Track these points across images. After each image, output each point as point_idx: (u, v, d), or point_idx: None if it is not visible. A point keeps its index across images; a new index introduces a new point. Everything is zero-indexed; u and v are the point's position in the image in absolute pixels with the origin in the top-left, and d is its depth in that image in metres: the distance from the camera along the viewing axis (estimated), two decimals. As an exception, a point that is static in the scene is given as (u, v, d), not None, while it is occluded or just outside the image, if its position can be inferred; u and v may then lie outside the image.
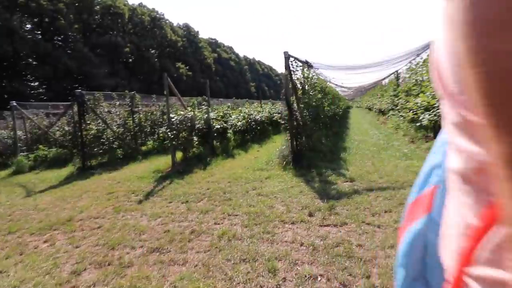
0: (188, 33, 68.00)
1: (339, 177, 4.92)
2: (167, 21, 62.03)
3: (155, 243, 3.17)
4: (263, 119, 12.50)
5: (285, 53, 5.99)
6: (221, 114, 9.78)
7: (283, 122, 6.33)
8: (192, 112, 8.03)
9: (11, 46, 31.97)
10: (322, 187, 4.49)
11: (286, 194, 4.35)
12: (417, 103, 6.76)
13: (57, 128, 11.75)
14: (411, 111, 7.59)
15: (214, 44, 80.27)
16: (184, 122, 7.56)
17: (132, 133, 10.56)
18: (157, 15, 58.51)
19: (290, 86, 6.12)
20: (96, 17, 47.82)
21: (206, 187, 5.39)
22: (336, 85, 8.44)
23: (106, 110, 9.56)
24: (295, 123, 6.03)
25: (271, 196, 4.32)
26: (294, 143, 6.08)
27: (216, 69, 71.91)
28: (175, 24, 65.91)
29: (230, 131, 10.57)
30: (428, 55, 6.78)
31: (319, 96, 7.28)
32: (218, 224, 3.49)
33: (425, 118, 6.00)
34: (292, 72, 6.26)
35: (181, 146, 7.68)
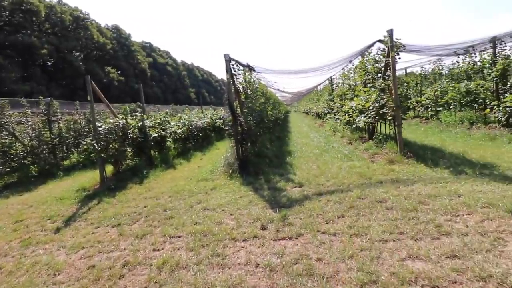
0: (119, 35, 63.01)
1: (288, 183, 4.79)
2: (93, 22, 56.50)
3: (74, 286, 2.51)
4: (205, 125, 12.00)
5: (226, 55, 5.70)
6: (159, 121, 8.99)
7: (226, 128, 6.00)
8: (124, 120, 7.15)
9: None
10: (272, 195, 4.28)
11: (234, 206, 4.01)
12: (352, 106, 7.15)
13: None
14: (347, 114, 8.02)
15: (148, 48, 76.04)
16: (114, 132, 6.66)
17: (49, 146, 8.99)
18: (81, 15, 52.83)
19: (232, 90, 5.84)
20: (4, 13, 40.81)
21: (143, 205, 4.72)
22: (278, 90, 8.50)
23: (13, 120, 7.92)
24: (239, 129, 5.77)
25: (219, 210, 3.94)
26: (240, 149, 5.81)
27: (152, 74, 68.08)
28: (103, 26, 60.47)
29: (170, 139, 9.82)
30: (359, 62, 7.27)
31: (262, 100, 7.17)
32: (158, 250, 2.97)
33: (361, 120, 6.34)
34: (234, 76, 6.00)
35: (111, 159, 6.74)
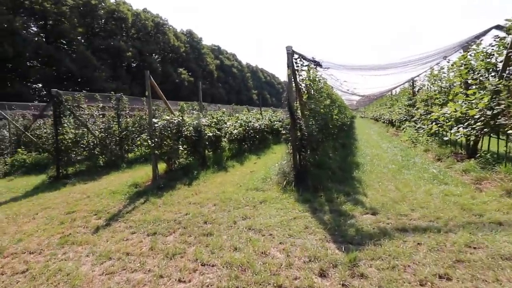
0: (191, 39, 67.71)
1: (357, 207, 3.77)
2: (171, 27, 61.77)
3: (79, 316, 2.04)
4: (263, 127, 11.41)
5: (288, 48, 4.92)
6: (215, 120, 8.71)
7: (284, 131, 5.22)
8: (180, 117, 6.95)
9: (12, 47, 31.35)
10: (335, 221, 3.34)
11: (286, 230, 3.20)
12: (444, 113, 5.63)
13: (40, 131, 10.73)
14: (435, 123, 6.46)
15: (216, 51, 79.98)
16: (169, 129, 6.48)
17: (117, 138, 9.48)
18: (161, 21, 58.26)
19: (293, 89, 5.03)
20: (100, 21, 47.53)
21: (185, 212, 4.25)
22: (347, 91, 7.33)
23: (87, 112, 8.50)
24: (298, 134, 4.92)
25: (266, 233, 3.17)
26: (297, 157, 4.96)
27: (218, 75, 71.38)
28: (178, 30, 65.72)
29: (225, 139, 9.47)
30: (458, 58, 5.70)
31: (327, 102, 6.19)
32: (184, 282, 2.35)
33: (459, 132, 4.86)
34: (296, 72, 5.18)
35: (164, 156, 6.58)
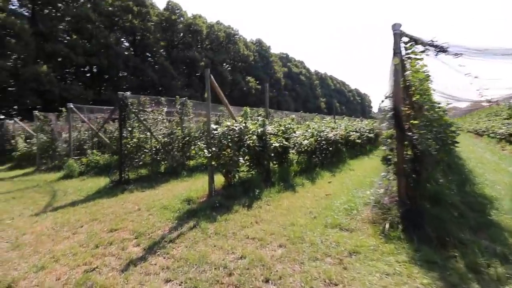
0: (260, 48, 68.86)
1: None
2: (241, 37, 63.88)
3: None
4: (338, 138, 9.75)
5: (396, 27, 3.41)
6: (282, 128, 7.51)
7: (384, 148, 3.67)
8: (243, 124, 5.95)
9: (106, 59, 36.15)
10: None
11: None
12: None
13: (112, 134, 11.21)
14: None
15: (284, 59, 79.74)
16: (229, 136, 5.51)
17: (180, 144, 9.08)
18: (232, 31, 60.72)
19: (401, 86, 3.47)
20: (179, 34, 51.88)
21: (240, 252, 3.10)
22: (481, 92, 5.16)
23: (151, 116, 8.24)
24: (408, 152, 3.32)
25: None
26: (404, 185, 3.35)
27: (286, 83, 70.78)
28: (248, 40, 67.61)
29: (293, 151, 8.17)
30: None
31: (443, 106, 4.36)
32: None
33: None
34: (403, 63, 3.61)
35: (222, 168, 5.63)
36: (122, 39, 43.42)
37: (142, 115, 7.94)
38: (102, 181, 7.87)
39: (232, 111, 6.21)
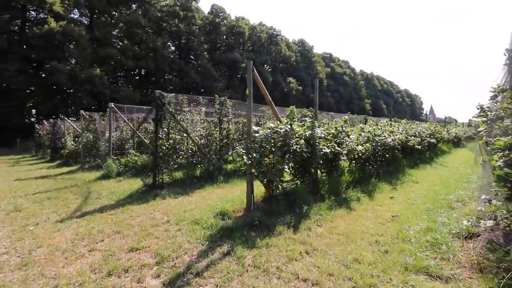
0: (303, 48, 67.16)
1: None
2: (283, 38, 62.89)
3: None
4: (396, 143, 8.34)
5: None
6: (333, 131, 6.44)
7: (500, 163, 2.49)
8: (288, 126, 5.04)
9: (154, 62, 37.85)
10: None
11: None
12: None
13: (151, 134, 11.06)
14: None
15: (328, 59, 76.87)
16: (272, 140, 4.65)
17: (217, 147, 8.47)
18: (274, 32, 60.03)
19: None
20: (222, 37, 52.67)
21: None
22: None
23: (188, 117, 7.73)
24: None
25: None
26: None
27: (328, 84, 68.04)
28: (290, 40, 66.35)
29: (344, 158, 7.01)
30: None
31: None
32: None
33: None
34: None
35: (264, 178, 4.77)
36: (169, 43, 45.28)
37: (179, 115, 7.45)
38: (137, 183, 7.52)
39: (276, 111, 5.33)
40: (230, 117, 8.87)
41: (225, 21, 52.16)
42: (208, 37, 49.84)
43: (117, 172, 9.04)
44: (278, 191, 5.00)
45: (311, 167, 5.63)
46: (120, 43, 36.92)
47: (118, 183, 8.03)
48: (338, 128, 6.59)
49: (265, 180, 4.83)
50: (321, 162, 5.78)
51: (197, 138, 7.99)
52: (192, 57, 47.79)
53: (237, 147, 4.42)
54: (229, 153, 4.18)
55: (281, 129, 4.85)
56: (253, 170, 4.62)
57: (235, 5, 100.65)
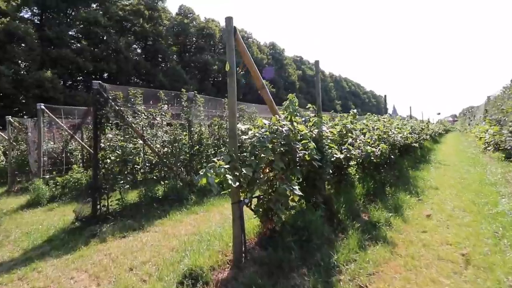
0: (274, 51, 66.55)
1: None
2: (254, 40, 61.80)
3: None
4: (404, 142, 6.93)
5: None
6: (340, 130, 4.80)
7: None
8: (289, 123, 3.28)
9: (116, 64, 34.58)
10: None
11: None
12: None
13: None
14: None
15: (298, 61, 77.08)
16: (270, 145, 2.86)
17: (186, 156, 6.52)
18: (245, 35, 58.72)
19: None
20: (192, 39, 50.18)
21: None
22: None
23: (144, 116, 5.71)
24: None
25: None
26: None
27: (300, 86, 68.00)
28: (262, 43, 65.45)
29: (352, 163, 5.38)
30: None
31: None
32: None
33: None
34: None
35: (260, 207, 2.97)
36: (134, 46, 42.03)
37: (130, 115, 5.42)
38: (71, 214, 5.37)
39: (270, 97, 3.53)
40: (202, 116, 6.96)
41: (194, 22, 49.97)
42: (177, 39, 47.17)
43: (51, 196, 6.74)
44: (280, 224, 3.19)
45: (321, 180, 3.91)
46: (78, 44, 33.27)
47: (46, 213, 5.82)
48: (347, 126, 4.95)
49: (261, 209, 3.02)
50: (330, 171, 4.09)
51: (158, 145, 5.99)
52: (160, 59, 44.89)
53: (215, 159, 2.59)
54: (201, 172, 2.33)
55: (282, 127, 3.07)
56: (242, 196, 2.80)
57: (203, 6, 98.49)
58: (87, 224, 4.58)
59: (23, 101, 24.09)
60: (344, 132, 4.90)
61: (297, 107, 3.80)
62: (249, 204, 2.95)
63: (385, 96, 23.47)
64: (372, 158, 4.99)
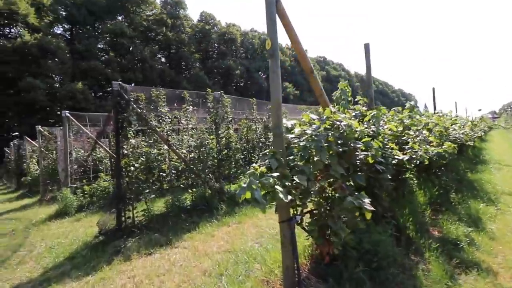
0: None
1: None
2: (276, 43, 61.35)
3: None
4: (464, 141, 5.93)
5: None
6: (398, 127, 4.02)
7: None
8: (345, 117, 2.59)
9: (142, 73, 35.53)
10: None
11: None
12: None
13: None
14: None
15: (322, 62, 75.44)
16: (326, 144, 2.18)
17: (214, 161, 5.99)
18: (267, 38, 58.45)
19: None
20: (214, 44, 50.69)
21: None
22: None
23: (169, 120, 5.26)
24: None
25: None
26: None
27: (325, 87, 65.83)
28: (284, 45, 64.81)
29: (410, 166, 4.51)
30: None
31: None
32: None
33: None
34: None
35: (314, 225, 2.29)
36: (159, 55, 43.13)
37: (151, 119, 4.98)
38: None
39: (321, 87, 2.86)
40: (230, 118, 6.43)
41: (216, 28, 50.38)
42: (199, 45, 47.82)
43: (79, 205, 6.50)
44: (340, 247, 2.49)
45: (381, 188, 3.16)
46: (106, 56, 34.62)
47: (73, 224, 5.52)
48: (406, 121, 4.15)
49: (317, 227, 2.34)
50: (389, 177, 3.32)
51: (184, 151, 5.51)
52: (183, 66, 45.67)
53: (254, 164, 1.97)
54: (244, 184, 1.71)
55: (340, 121, 2.39)
56: (297, 210, 2.15)
57: (224, 12, 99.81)
58: (111, 238, 4.15)
59: (58, 113, 25.15)
60: (401, 128, 4.09)
61: (350, 98, 3.10)
62: (301, 222, 2.29)
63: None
64: (437, 159, 4.12)
